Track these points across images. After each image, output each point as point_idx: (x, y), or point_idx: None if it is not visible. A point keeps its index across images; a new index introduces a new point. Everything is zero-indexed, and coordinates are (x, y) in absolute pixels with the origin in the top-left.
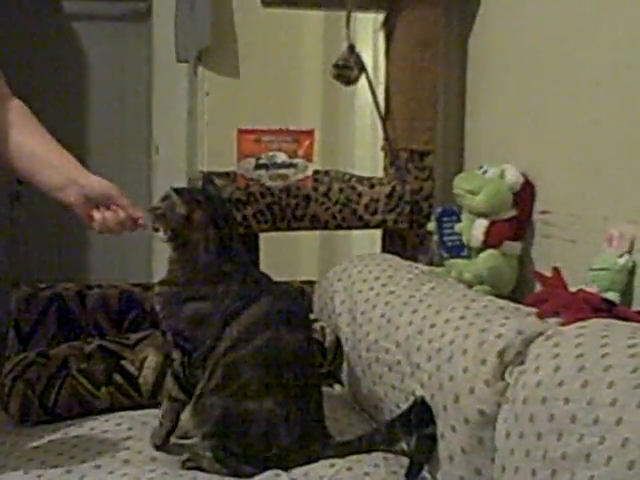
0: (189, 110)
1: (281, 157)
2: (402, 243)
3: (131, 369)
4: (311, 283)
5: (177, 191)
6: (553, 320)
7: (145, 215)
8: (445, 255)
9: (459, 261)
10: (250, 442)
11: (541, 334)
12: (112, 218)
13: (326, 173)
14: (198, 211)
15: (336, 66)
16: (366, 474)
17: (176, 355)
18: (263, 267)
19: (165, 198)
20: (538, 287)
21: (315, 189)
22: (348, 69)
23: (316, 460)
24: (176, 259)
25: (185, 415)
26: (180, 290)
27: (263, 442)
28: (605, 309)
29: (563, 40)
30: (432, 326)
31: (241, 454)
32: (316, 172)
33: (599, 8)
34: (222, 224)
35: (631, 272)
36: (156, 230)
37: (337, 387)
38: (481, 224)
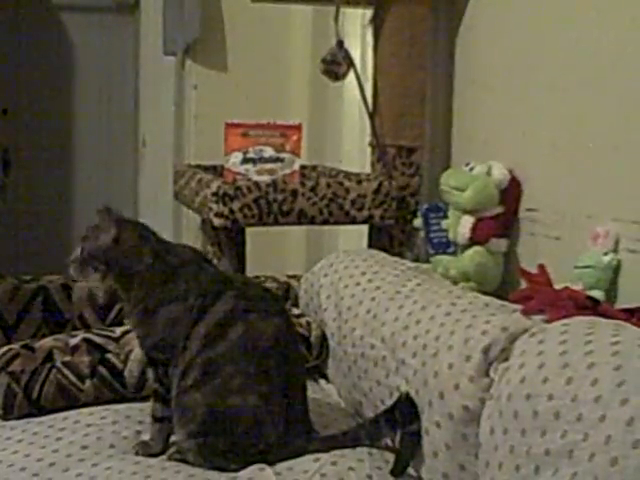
0: (176, 103)
1: (268, 151)
2: (389, 239)
3: (116, 362)
4: (297, 278)
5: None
6: (538, 317)
7: (72, 268)
8: (431, 251)
9: (445, 257)
10: (236, 439)
11: (526, 331)
12: None
13: (313, 168)
14: (126, 229)
15: (324, 61)
16: (350, 469)
17: (150, 374)
18: (249, 261)
19: (85, 238)
20: (523, 284)
21: (302, 184)
22: (336, 64)
23: (300, 455)
24: (126, 287)
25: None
26: (146, 303)
27: (249, 438)
28: (589, 307)
29: (551, 38)
30: (418, 322)
31: (227, 451)
32: (303, 167)
33: (586, 8)
34: (147, 232)
35: (616, 270)
36: (85, 277)
37: (322, 382)
38: (467, 221)
